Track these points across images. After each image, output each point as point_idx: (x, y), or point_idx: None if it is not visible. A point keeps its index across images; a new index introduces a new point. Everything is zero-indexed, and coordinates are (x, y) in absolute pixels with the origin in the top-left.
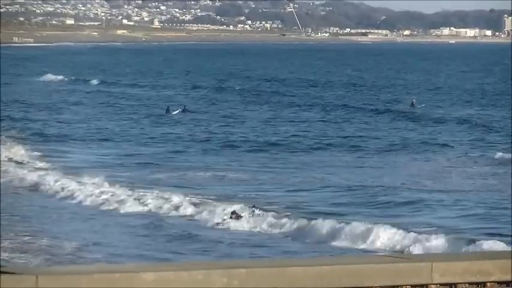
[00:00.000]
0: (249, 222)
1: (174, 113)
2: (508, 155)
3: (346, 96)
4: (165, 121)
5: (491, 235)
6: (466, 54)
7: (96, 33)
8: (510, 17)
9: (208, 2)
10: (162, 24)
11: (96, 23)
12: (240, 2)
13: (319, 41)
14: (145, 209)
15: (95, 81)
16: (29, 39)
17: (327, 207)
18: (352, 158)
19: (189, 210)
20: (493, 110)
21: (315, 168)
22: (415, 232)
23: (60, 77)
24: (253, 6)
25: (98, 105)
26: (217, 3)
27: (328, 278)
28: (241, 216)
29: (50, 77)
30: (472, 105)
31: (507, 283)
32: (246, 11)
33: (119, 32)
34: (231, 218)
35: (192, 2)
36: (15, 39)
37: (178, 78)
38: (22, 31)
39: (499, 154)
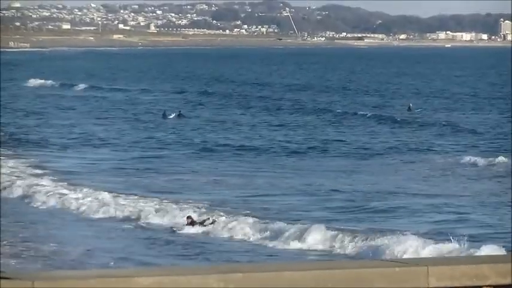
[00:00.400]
0: (202, 228)
1: (170, 117)
2: (503, 160)
3: (335, 101)
4: (164, 126)
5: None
6: (461, 58)
7: (92, 38)
8: (506, 21)
9: (205, 6)
10: (158, 29)
11: (92, 28)
12: (236, 7)
13: (315, 45)
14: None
15: (82, 86)
16: (25, 44)
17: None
18: (344, 163)
19: (151, 215)
20: (484, 114)
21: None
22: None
23: (48, 82)
24: (250, 10)
25: (90, 110)
26: (214, 8)
27: (326, 282)
28: (196, 223)
29: (35, 81)
30: (463, 110)
31: (503, 287)
32: (242, 15)
33: (115, 36)
34: (187, 223)
35: (188, 7)
36: (12, 44)
37: (166, 82)
38: (18, 36)
39: (489, 160)
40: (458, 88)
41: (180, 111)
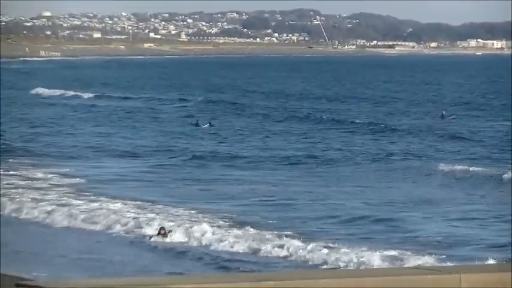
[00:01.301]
0: (173, 238)
1: (204, 126)
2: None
3: (363, 111)
4: (202, 134)
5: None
6: (491, 65)
7: (123, 47)
8: None
9: (235, 15)
10: (189, 38)
11: (123, 37)
12: (267, 15)
13: (345, 53)
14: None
15: (89, 95)
16: (56, 53)
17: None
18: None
19: (131, 224)
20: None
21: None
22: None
23: (57, 91)
24: (280, 19)
25: (119, 119)
26: (244, 16)
27: None
28: (169, 232)
29: (39, 90)
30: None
31: None
32: (273, 23)
33: (146, 45)
34: (159, 234)
35: (219, 15)
36: (42, 53)
37: (178, 91)
38: (49, 45)
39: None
40: (481, 97)
41: (210, 121)
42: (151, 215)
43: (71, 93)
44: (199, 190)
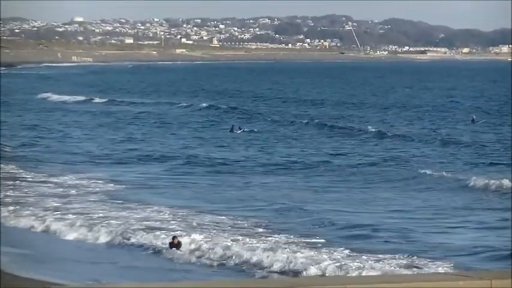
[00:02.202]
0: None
1: (238, 132)
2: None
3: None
4: (237, 140)
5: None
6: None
7: (155, 52)
8: None
9: (267, 20)
10: (220, 43)
11: (155, 42)
12: (299, 21)
13: (377, 59)
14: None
15: (98, 100)
16: (88, 59)
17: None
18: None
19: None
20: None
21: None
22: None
23: (66, 96)
24: (312, 24)
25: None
26: (276, 22)
27: None
28: (180, 243)
29: (44, 95)
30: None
31: None
32: (305, 29)
33: (178, 51)
34: (172, 244)
35: (251, 21)
36: (74, 58)
37: (195, 96)
38: (81, 50)
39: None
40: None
41: (240, 126)
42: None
43: (81, 98)
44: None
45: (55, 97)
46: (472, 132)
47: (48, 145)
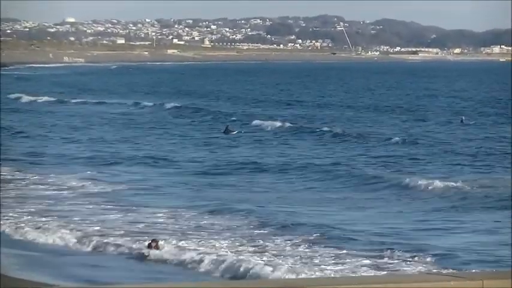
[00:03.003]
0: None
1: (234, 133)
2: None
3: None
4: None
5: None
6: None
7: (146, 53)
8: None
9: (259, 21)
10: (212, 44)
11: (146, 43)
12: (291, 21)
13: (369, 60)
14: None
15: (74, 100)
16: (80, 59)
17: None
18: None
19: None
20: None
21: None
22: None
23: (41, 97)
24: (304, 25)
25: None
26: (268, 23)
27: None
28: (159, 246)
29: (20, 95)
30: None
31: None
32: (297, 30)
33: (170, 51)
34: (149, 246)
35: (243, 22)
36: (66, 58)
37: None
38: (73, 51)
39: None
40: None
41: (227, 126)
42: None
43: (53, 99)
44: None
45: (26, 98)
46: (433, 133)
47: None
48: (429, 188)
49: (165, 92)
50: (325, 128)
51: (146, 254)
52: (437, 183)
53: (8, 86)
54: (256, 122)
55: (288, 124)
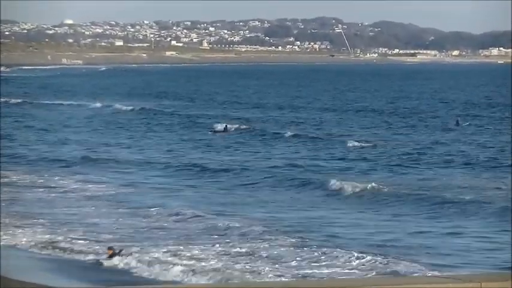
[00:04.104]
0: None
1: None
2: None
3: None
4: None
5: None
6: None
7: (144, 55)
8: None
9: (257, 23)
10: (211, 46)
11: (145, 45)
12: (289, 23)
13: (367, 62)
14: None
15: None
16: (78, 61)
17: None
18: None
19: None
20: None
21: None
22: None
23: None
24: (302, 27)
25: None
26: (266, 25)
27: None
28: (115, 255)
29: None
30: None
31: None
32: (295, 31)
33: (168, 53)
34: (108, 254)
35: (241, 24)
36: (65, 60)
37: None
38: (71, 53)
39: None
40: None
41: (226, 125)
42: None
43: (19, 100)
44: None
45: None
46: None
47: None
48: (346, 188)
49: (139, 94)
50: (274, 131)
51: (101, 262)
52: (355, 184)
53: None
54: (216, 125)
55: (234, 126)
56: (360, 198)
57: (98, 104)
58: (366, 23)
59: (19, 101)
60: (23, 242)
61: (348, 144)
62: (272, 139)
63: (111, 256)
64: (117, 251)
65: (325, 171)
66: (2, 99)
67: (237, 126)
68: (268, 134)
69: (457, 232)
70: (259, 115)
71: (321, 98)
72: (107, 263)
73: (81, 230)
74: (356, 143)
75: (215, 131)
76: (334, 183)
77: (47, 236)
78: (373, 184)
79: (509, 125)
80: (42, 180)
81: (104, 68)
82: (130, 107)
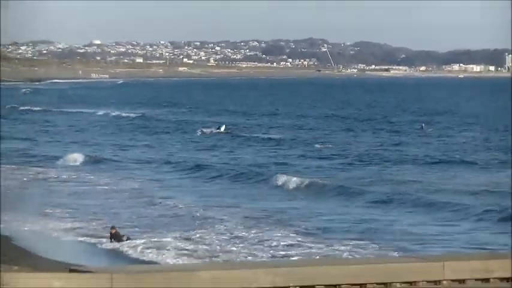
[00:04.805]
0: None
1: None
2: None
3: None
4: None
5: None
6: (471, 86)
7: (161, 70)
8: (510, 55)
9: (256, 43)
10: (216, 62)
11: (161, 61)
12: (282, 43)
13: (348, 76)
14: None
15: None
16: (105, 75)
17: None
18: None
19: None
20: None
21: None
22: None
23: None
24: (293, 46)
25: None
26: (263, 44)
27: (358, 275)
28: (118, 236)
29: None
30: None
31: (507, 279)
32: (287, 50)
33: (180, 69)
34: (110, 237)
35: (242, 43)
36: (93, 75)
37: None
38: (99, 68)
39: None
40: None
41: (219, 126)
42: None
43: (39, 108)
44: None
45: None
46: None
47: None
48: (289, 183)
49: (140, 102)
50: (249, 134)
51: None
52: (296, 179)
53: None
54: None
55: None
56: (299, 190)
57: (102, 112)
58: (348, 43)
59: (39, 108)
60: (51, 227)
61: (316, 146)
62: (246, 141)
63: (113, 236)
64: (122, 235)
65: (282, 170)
66: (25, 108)
67: (218, 130)
68: (245, 137)
69: (371, 219)
70: (249, 121)
71: (303, 106)
72: (106, 245)
73: (100, 217)
74: (318, 145)
75: (202, 132)
76: (279, 178)
77: (70, 224)
78: (316, 179)
79: (468, 131)
80: (74, 176)
81: (121, 81)
82: (133, 114)
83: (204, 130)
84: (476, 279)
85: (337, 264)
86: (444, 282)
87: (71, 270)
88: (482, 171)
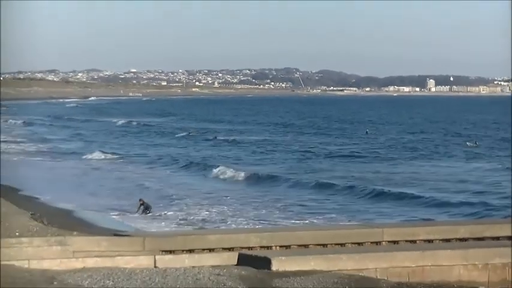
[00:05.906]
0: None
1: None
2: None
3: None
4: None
5: None
6: (398, 103)
7: (179, 90)
8: (431, 80)
9: (248, 71)
10: (219, 85)
11: (179, 84)
12: (267, 71)
13: (314, 95)
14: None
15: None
16: (139, 94)
17: None
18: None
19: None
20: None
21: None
22: None
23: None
24: (275, 73)
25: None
26: (253, 72)
27: (321, 238)
28: (146, 208)
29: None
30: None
31: (430, 241)
32: (270, 76)
33: (193, 89)
34: (142, 206)
35: (237, 71)
36: (130, 94)
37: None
38: (134, 89)
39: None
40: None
41: (216, 137)
42: None
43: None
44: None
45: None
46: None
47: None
48: (225, 173)
49: (149, 113)
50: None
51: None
52: (229, 172)
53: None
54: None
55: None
56: (235, 180)
57: (115, 120)
58: (314, 71)
59: (79, 118)
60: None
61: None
62: (205, 141)
63: (142, 205)
64: (146, 205)
65: (225, 163)
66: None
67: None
68: (207, 138)
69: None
70: (214, 126)
71: (271, 116)
72: (132, 215)
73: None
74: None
75: (183, 136)
76: (218, 169)
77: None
78: (252, 172)
79: (401, 133)
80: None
81: (145, 99)
82: (135, 122)
83: (177, 136)
84: (406, 241)
85: (306, 229)
86: (383, 243)
87: (115, 235)
88: (400, 165)
